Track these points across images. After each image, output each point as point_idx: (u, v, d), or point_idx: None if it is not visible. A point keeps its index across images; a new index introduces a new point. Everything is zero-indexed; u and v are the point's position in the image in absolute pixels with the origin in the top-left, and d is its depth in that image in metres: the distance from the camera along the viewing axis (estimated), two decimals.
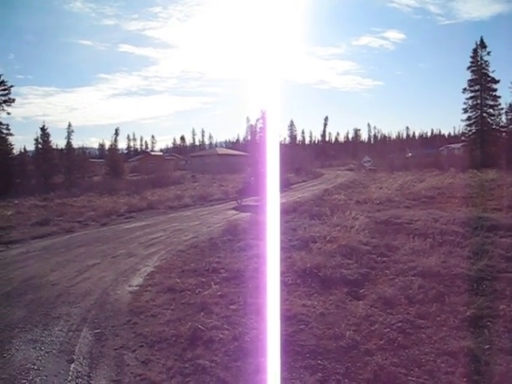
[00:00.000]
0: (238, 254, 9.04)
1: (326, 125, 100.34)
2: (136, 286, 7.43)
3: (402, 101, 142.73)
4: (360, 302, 6.17)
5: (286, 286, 6.77)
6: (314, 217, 12.46)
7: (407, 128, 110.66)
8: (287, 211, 14.00)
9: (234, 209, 18.83)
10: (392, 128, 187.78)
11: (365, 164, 42.02)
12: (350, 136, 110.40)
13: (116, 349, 5.02)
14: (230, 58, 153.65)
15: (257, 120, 53.86)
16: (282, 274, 7.14)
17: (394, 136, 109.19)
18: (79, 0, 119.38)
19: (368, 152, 60.83)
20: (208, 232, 12.51)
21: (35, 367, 4.60)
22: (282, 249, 8.55)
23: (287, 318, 5.47)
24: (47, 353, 4.94)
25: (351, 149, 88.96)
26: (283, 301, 5.94)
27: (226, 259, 8.59)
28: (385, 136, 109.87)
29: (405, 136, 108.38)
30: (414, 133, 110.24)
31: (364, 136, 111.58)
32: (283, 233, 9.98)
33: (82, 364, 4.65)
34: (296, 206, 15.58)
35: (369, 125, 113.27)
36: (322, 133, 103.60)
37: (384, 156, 53.16)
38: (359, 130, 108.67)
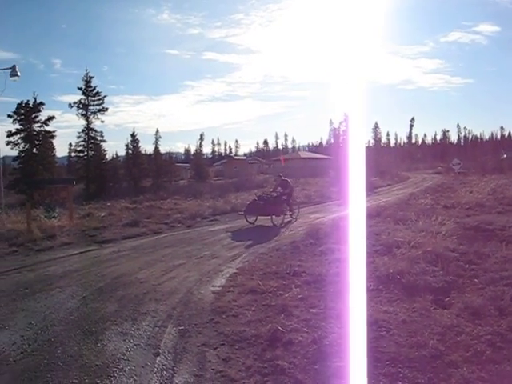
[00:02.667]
0: (319, 257, 9.01)
1: (412, 126, 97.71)
2: (219, 286, 7.63)
3: (496, 99, 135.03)
4: (445, 310, 5.89)
5: (368, 292, 6.60)
6: (398, 221, 12.12)
7: (501, 128, 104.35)
8: (370, 215, 13.72)
9: (228, 231, 14.15)
10: (484, 128, 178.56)
11: (454, 167, 40.03)
12: (438, 138, 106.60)
13: (198, 346, 5.20)
14: (313, 61, 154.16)
15: (340, 123, 53.47)
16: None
17: (486, 137, 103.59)
18: (166, 12, 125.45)
19: (457, 154, 57.97)
20: (290, 235, 12.57)
21: (125, 357, 4.90)
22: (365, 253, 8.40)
23: (367, 324, 5.30)
24: (135, 345, 5.24)
25: (439, 151, 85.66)
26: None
27: (307, 263, 8.59)
28: (476, 137, 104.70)
29: (499, 136, 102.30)
30: (509, 133, 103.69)
31: (453, 137, 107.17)
32: (366, 237, 9.78)
33: (166, 358, 4.88)
34: (380, 211, 15.25)
35: (458, 125, 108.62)
36: (407, 135, 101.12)
37: (475, 158, 50.56)
38: (448, 131, 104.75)
